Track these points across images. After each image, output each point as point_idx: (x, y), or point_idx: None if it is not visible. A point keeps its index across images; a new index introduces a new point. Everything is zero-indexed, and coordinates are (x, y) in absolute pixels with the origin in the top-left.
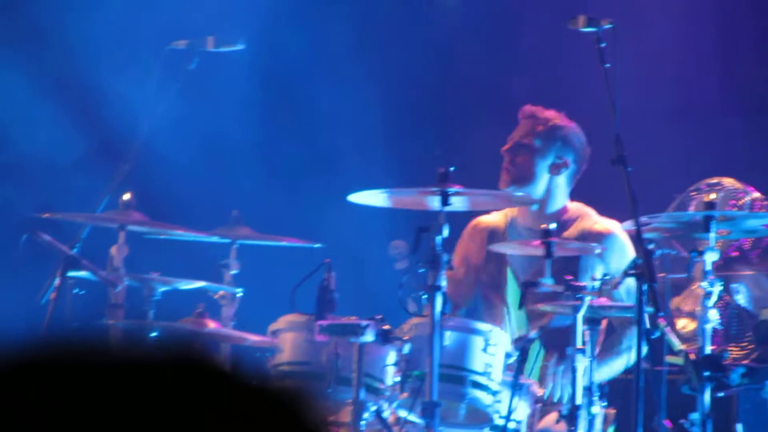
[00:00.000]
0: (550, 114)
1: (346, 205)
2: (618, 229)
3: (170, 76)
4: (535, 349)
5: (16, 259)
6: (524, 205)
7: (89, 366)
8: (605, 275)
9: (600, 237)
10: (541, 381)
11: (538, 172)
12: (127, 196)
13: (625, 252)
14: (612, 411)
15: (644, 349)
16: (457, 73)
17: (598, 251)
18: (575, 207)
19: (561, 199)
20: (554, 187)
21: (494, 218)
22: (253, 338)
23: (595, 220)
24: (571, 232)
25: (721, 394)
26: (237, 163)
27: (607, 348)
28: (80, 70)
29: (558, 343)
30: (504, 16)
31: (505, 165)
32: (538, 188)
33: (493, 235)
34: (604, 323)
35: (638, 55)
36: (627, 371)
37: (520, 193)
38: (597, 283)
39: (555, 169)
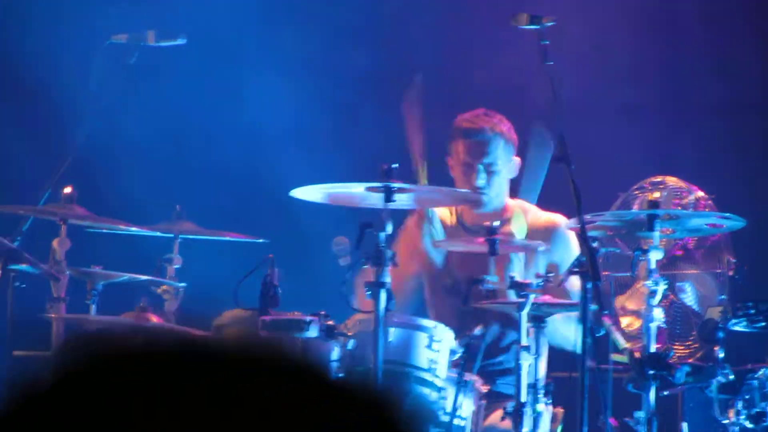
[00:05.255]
0: (505, 127)
1: (289, 200)
2: (563, 221)
3: (111, 70)
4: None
5: None
6: (469, 204)
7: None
8: (549, 272)
9: (547, 228)
10: None
11: (505, 186)
12: (68, 190)
13: (570, 243)
14: (561, 410)
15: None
16: (403, 66)
17: (542, 248)
18: (516, 203)
19: (503, 195)
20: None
21: (441, 212)
22: (197, 333)
23: (539, 214)
24: (515, 226)
25: (666, 393)
26: (180, 157)
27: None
28: (21, 63)
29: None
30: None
31: (481, 183)
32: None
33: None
34: None
35: (584, 52)
36: (572, 369)
37: (465, 191)
38: (541, 281)
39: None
